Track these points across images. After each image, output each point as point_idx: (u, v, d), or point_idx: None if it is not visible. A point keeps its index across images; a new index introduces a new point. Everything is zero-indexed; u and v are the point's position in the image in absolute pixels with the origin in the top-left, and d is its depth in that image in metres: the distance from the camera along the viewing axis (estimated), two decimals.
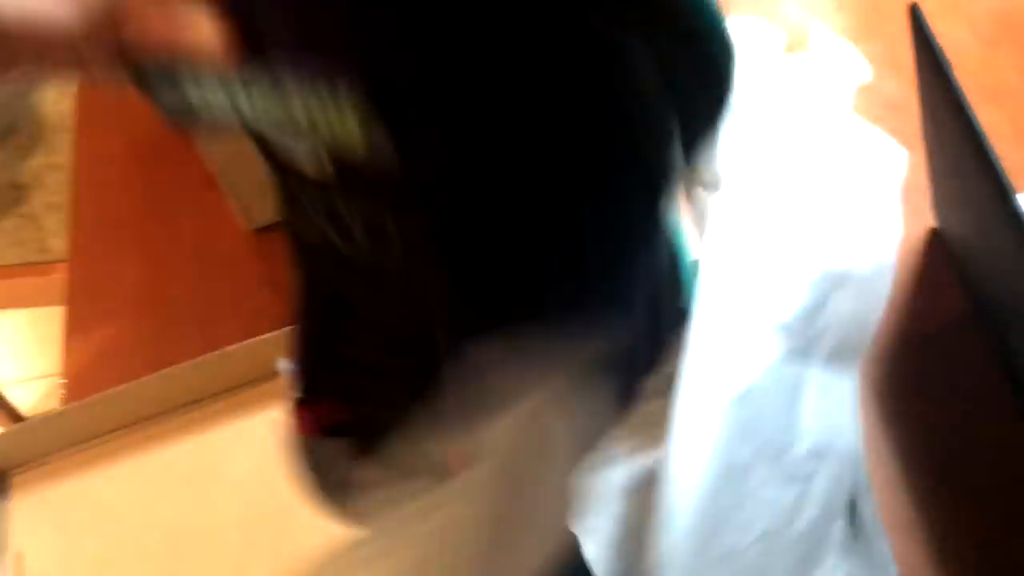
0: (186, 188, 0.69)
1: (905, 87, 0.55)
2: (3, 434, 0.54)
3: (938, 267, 0.56)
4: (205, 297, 0.64)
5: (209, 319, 0.63)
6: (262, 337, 0.54)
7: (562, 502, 0.35)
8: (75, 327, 0.64)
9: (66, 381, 0.61)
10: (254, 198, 0.63)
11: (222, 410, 0.56)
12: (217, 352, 0.54)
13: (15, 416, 1.38)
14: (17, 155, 1.15)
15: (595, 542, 0.42)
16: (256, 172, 0.60)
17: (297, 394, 0.42)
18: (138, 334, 0.63)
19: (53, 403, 1.46)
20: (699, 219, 0.46)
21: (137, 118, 0.72)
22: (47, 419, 0.54)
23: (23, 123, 1.17)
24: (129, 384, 0.54)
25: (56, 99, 1.17)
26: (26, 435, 0.54)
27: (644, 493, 0.43)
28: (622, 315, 0.35)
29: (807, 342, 0.48)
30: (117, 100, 0.73)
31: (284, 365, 0.44)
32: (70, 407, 0.54)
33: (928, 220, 0.57)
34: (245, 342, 0.54)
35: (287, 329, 0.51)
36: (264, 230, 0.66)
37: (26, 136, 1.16)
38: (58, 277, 1.06)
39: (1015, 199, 0.39)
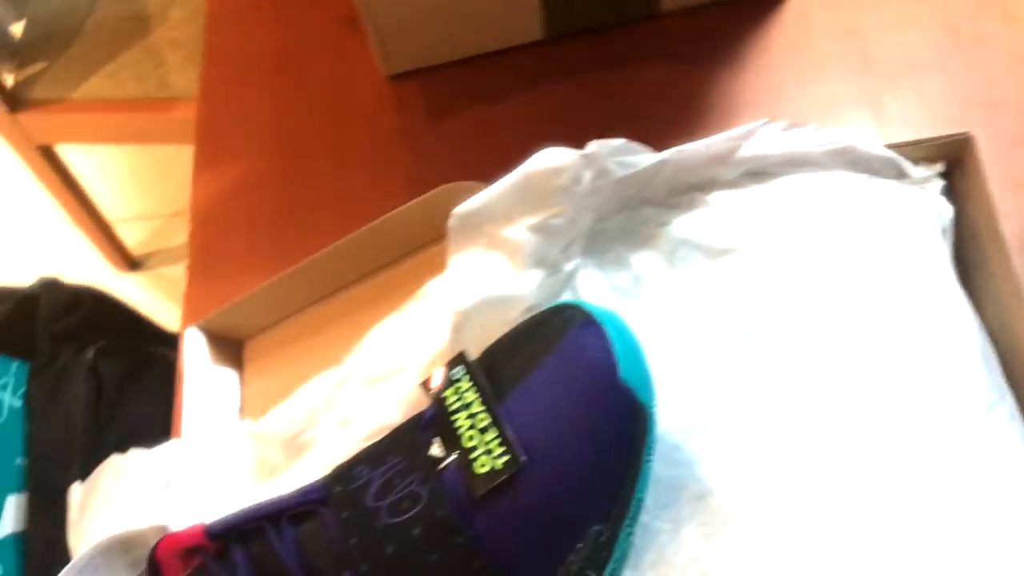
0: (324, 26, 0.64)
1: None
2: (238, 302, 0.52)
3: None
4: (335, 143, 0.60)
5: (340, 165, 0.59)
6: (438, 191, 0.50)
7: None
8: (202, 165, 0.61)
9: (193, 219, 0.59)
10: (398, 40, 0.59)
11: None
12: (409, 206, 0.50)
13: (126, 256, 1.41)
14: None
15: None
16: (407, 10, 0.56)
17: None
18: (266, 176, 0.60)
19: (166, 242, 1.49)
20: None
21: None
22: (277, 284, 0.51)
23: None
24: (342, 242, 0.50)
25: None
26: (258, 301, 0.52)
27: None
28: None
29: None
30: None
31: None
32: (291, 271, 0.51)
33: None
34: (429, 194, 0.50)
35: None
36: (402, 77, 0.61)
37: None
38: (179, 115, 1.04)
39: None
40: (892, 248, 0.45)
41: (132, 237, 1.44)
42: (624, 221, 0.48)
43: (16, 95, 1.10)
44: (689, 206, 0.48)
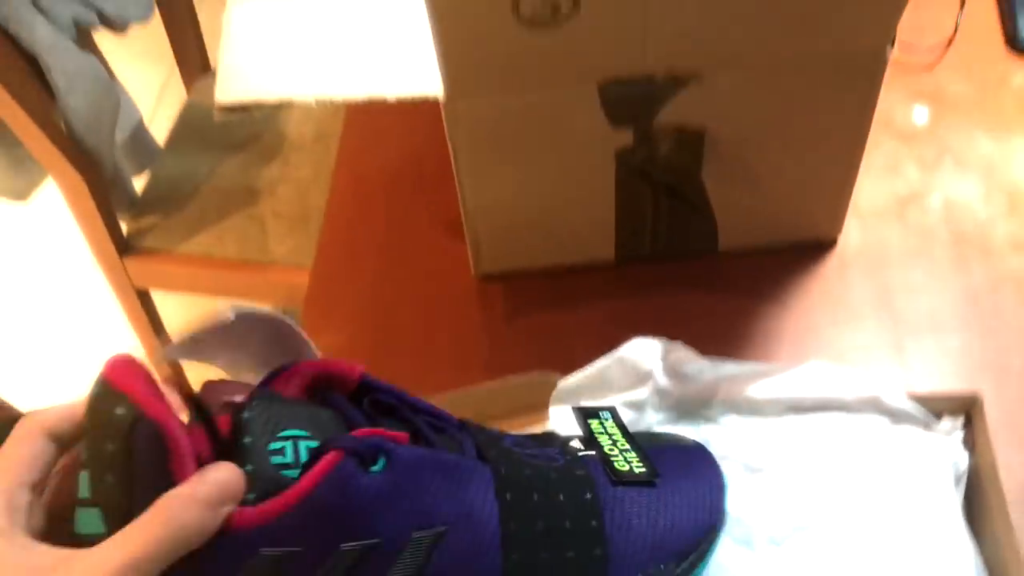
0: (429, 225, 0.74)
1: None
2: None
3: None
4: (425, 326, 0.69)
5: (426, 345, 0.67)
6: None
7: None
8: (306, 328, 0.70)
9: None
10: (490, 246, 0.68)
11: None
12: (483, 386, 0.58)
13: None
14: (255, 163, 1.26)
15: None
16: (502, 222, 0.66)
17: None
18: (359, 346, 0.68)
19: None
20: None
21: (402, 145, 0.79)
22: None
23: (265, 136, 1.28)
24: None
25: (300, 120, 1.28)
26: None
27: None
28: None
29: None
30: (386, 124, 0.80)
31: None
32: None
33: None
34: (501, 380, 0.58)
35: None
36: (489, 278, 0.70)
37: (266, 147, 1.27)
38: (273, 278, 1.15)
39: None
40: (908, 488, 0.52)
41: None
42: (677, 424, 0.56)
43: (127, 241, 1.22)
44: (734, 425, 0.55)
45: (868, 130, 0.60)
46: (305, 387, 0.41)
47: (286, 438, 0.38)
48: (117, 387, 0.35)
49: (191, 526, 0.34)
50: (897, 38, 0.54)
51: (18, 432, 0.38)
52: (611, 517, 0.43)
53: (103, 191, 1.16)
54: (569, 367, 0.55)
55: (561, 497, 0.42)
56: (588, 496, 0.43)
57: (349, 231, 0.76)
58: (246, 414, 0.38)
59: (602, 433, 0.47)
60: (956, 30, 0.76)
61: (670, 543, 0.44)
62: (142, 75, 1.90)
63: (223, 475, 0.36)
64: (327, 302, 0.72)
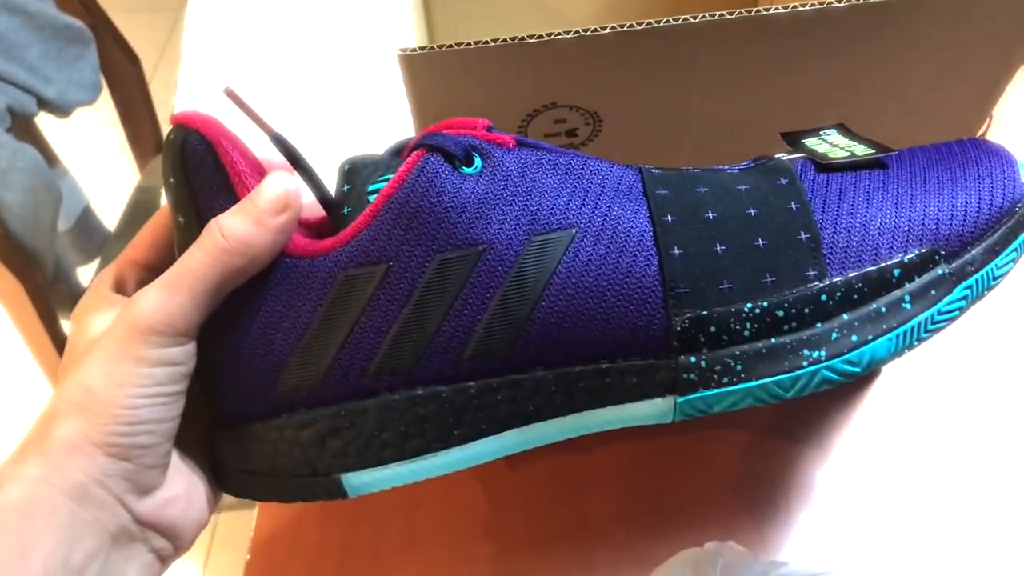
0: None
1: None
2: None
3: None
4: None
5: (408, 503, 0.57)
6: None
7: None
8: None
9: (252, 549, 0.56)
10: None
11: None
12: None
13: None
14: None
15: None
16: None
17: None
18: (332, 513, 0.58)
19: None
20: None
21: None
22: None
23: None
24: None
25: None
26: None
27: None
28: None
29: None
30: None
31: None
32: None
33: None
34: None
35: None
36: None
37: None
38: None
39: None
40: None
41: None
42: None
43: None
44: None
45: None
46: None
47: (385, 181, 0.34)
48: (179, 121, 0.33)
49: (243, 248, 0.32)
50: None
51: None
52: (821, 203, 0.34)
53: (42, 292, 1.05)
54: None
55: (741, 188, 0.35)
56: (783, 181, 0.35)
57: None
58: (347, 165, 0.35)
59: (819, 143, 0.38)
60: None
61: (932, 222, 0.34)
62: (91, 155, 1.79)
63: (272, 184, 0.33)
64: None
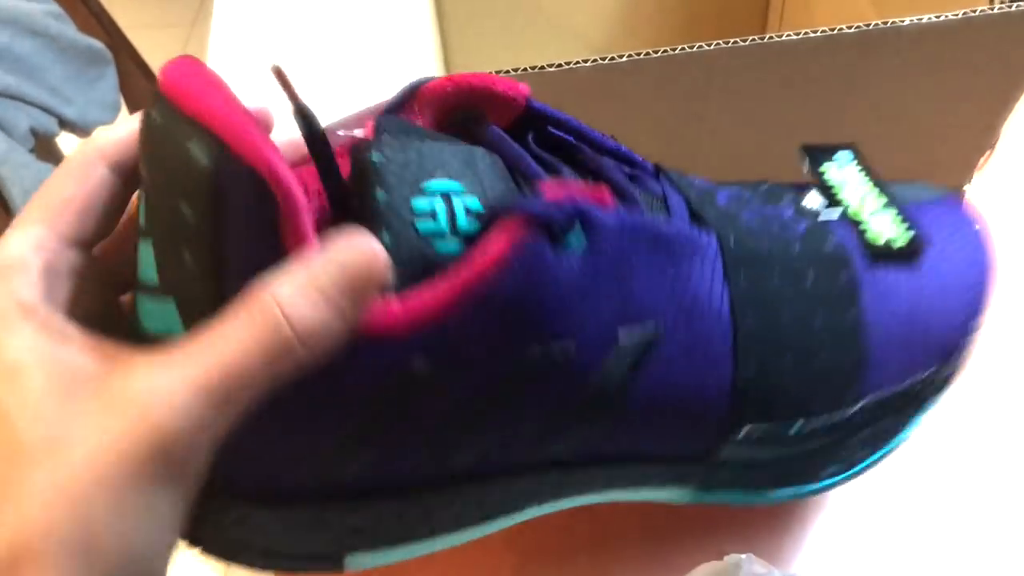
0: None
1: None
2: None
3: None
4: None
5: None
6: None
7: None
8: None
9: None
10: None
11: None
12: None
13: None
14: None
15: None
16: None
17: None
18: None
19: None
20: None
21: None
22: None
23: None
24: None
25: None
26: None
27: None
28: None
29: None
30: None
31: None
32: None
33: None
34: None
35: None
36: None
37: None
38: None
39: None
40: None
41: None
42: None
43: None
44: None
45: None
46: (443, 118, 0.29)
47: (433, 193, 0.25)
48: (187, 108, 0.22)
49: (312, 341, 0.22)
50: None
51: (70, 163, 0.25)
52: (871, 306, 0.31)
53: None
54: None
55: (809, 281, 0.30)
56: (843, 279, 0.30)
57: None
58: (374, 155, 0.25)
59: (842, 184, 0.33)
60: None
61: (936, 337, 0.32)
62: None
63: (359, 251, 0.23)
64: None
